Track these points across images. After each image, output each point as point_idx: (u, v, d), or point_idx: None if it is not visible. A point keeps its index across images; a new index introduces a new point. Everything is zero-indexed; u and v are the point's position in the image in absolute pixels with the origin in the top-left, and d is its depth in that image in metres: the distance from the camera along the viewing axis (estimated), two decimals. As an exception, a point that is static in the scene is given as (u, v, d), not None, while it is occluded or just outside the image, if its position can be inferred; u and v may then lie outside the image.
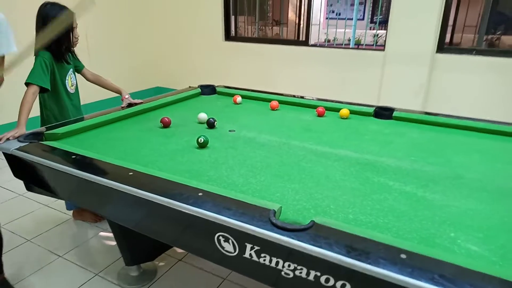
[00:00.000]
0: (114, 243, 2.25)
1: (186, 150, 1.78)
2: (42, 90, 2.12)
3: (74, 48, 2.33)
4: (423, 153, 1.78)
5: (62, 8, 2.13)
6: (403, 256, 0.94)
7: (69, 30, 2.18)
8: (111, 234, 2.00)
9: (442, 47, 3.63)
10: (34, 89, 2.05)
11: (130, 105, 2.42)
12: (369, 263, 0.92)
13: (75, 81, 2.39)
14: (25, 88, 2.05)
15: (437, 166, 1.63)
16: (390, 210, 1.26)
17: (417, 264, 0.91)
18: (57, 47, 2.17)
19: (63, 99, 2.27)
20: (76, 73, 2.42)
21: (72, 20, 2.15)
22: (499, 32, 4.18)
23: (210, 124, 2.11)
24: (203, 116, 2.20)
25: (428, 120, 2.25)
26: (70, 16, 2.10)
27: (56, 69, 2.20)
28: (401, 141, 1.96)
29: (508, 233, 1.14)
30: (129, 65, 5.12)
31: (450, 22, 3.70)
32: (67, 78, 2.29)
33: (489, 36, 4.16)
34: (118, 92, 2.51)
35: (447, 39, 3.72)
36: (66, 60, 2.26)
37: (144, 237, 1.50)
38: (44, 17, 2.10)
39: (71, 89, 2.33)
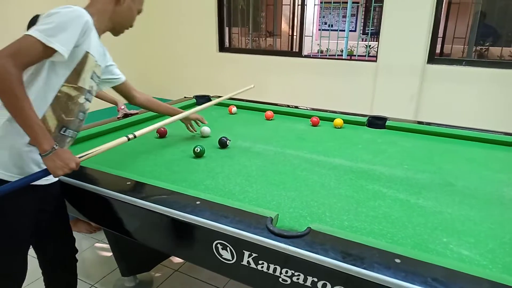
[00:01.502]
0: (109, 253, 2.24)
1: (183, 159, 1.80)
2: None
3: None
4: (416, 161, 1.82)
5: None
6: (397, 260, 0.97)
7: None
8: (106, 245, 2.00)
9: (433, 58, 3.71)
10: None
11: (126, 115, 2.43)
12: (364, 268, 0.95)
13: None
14: None
15: (429, 174, 1.67)
16: (384, 216, 1.29)
17: (410, 268, 0.94)
18: None
19: None
20: None
21: None
22: (487, 44, 4.28)
23: (222, 144, 1.95)
24: (206, 130, 2.13)
25: (420, 129, 2.30)
26: None
27: None
28: (394, 150, 2.00)
29: (497, 238, 1.17)
30: (127, 69, 5.12)
31: (440, 33, 3.79)
32: None
33: (478, 47, 4.25)
34: (114, 102, 2.53)
35: (438, 50, 3.81)
36: None
37: (140, 247, 1.51)
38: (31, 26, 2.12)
39: None
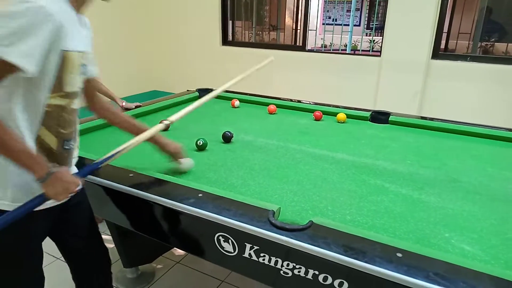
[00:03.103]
0: (111, 245, 2.25)
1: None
2: None
3: None
4: (419, 157, 1.81)
5: None
6: (399, 255, 0.97)
7: None
8: (108, 237, 2.01)
9: (437, 53, 3.69)
10: None
11: (126, 109, 2.43)
12: (366, 262, 0.95)
13: None
14: None
15: (432, 170, 1.67)
16: (387, 211, 1.29)
17: (412, 263, 0.94)
18: None
19: None
20: None
21: None
22: (493, 40, 4.24)
23: (227, 138, 1.94)
24: (188, 163, 1.58)
25: (423, 125, 2.29)
26: None
27: None
28: (397, 145, 2.00)
29: (499, 234, 1.17)
30: (126, 68, 5.13)
31: (445, 29, 3.76)
32: None
33: (483, 43, 4.22)
34: (111, 98, 2.41)
35: (442, 46, 3.78)
36: None
37: (142, 239, 1.52)
38: None
39: None
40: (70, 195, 1.09)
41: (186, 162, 1.56)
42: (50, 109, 1.06)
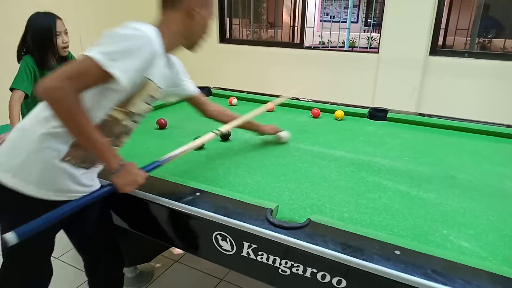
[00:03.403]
0: (110, 244, 2.25)
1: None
2: (27, 96, 2.10)
3: (65, 54, 2.27)
4: (417, 154, 1.81)
5: (46, 15, 2.13)
6: (397, 252, 0.97)
7: (52, 36, 2.12)
8: (107, 235, 2.01)
9: (435, 49, 3.69)
10: (19, 94, 2.04)
11: None
12: (364, 259, 0.95)
13: None
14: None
15: (430, 166, 1.67)
16: (385, 208, 1.29)
17: (410, 260, 0.94)
18: (39, 53, 2.13)
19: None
20: None
21: (54, 25, 2.11)
22: (490, 36, 4.25)
23: (225, 137, 1.96)
24: (286, 135, 1.93)
25: (421, 121, 2.29)
26: (53, 22, 2.11)
27: (39, 76, 2.16)
28: (395, 142, 2.00)
29: (497, 230, 1.17)
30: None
31: (443, 25, 3.76)
32: None
33: (481, 39, 4.22)
34: None
35: (440, 42, 3.78)
36: (49, 67, 2.17)
37: (141, 238, 1.51)
38: (29, 27, 2.11)
39: None
40: (135, 187, 1.17)
41: (285, 135, 1.90)
42: (107, 118, 1.17)
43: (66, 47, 2.23)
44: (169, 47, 1.25)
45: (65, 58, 2.28)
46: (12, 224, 1.01)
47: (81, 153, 1.17)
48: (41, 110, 1.14)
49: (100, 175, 1.31)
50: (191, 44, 1.34)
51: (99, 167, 1.29)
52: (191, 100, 1.63)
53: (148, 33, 1.10)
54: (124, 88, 1.10)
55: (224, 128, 1.63)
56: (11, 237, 0.94)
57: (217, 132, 1.54)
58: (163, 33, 1.17)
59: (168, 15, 1.24)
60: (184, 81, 1.55)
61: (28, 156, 1.13)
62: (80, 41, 4.42)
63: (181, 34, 1.26)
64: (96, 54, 1.02)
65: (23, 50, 2.16)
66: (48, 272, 1.35)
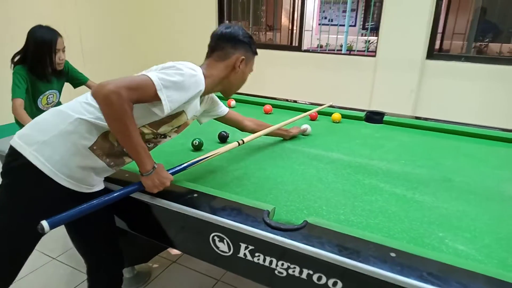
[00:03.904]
0: (107, 245, 2.25)
1: (181, 152, 1.80)
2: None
3: (60, 69, 2.39)
4: (413, 157, 1.82)
5: (49, 30, 2.25)
6: (392, 254, 0.97)
7: (52, 51, 2.24)
8: (104, 236, 2.00)
9: (432, 53, 3.71)
10: (19, 101, 2.18)
11: None
12: (360, 261, 0.95)
13: (54, 100, 2.48)
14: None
15: (426, 169, 1.68)
16: (381, 211, 1.29)
17: (406, 262, 0.95)
18: (36, 66, 2.25)
19: (34, 115, 2.31)
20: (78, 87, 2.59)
21: (55, 42, 2.24)
22: (487, 40, 4.27)
23: (222, 138, 1.97)
24: (308, 128, 2.12)
25: (417, 125, 2.30)
26: (54, 39, 2.23)
27: (31, 86, 2.28)
28: (392, 145, 2.01)
29: (493, 233, 1.18)
30: (124, 68, 5.11)
31: (440, 29, 3.78)
32: (41, 97, 2.38)
33: (478, 43, 4.25)
34: None
35: (437, 46, 3.80)
36: (44, 77, 2.32)
37: (138, 238, 1.51)
38: (30, 37, 2.22)
39: (44, 107, 2.41)
40: (161, 189, 1.23)
41: (307, 129, 2.11)
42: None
43: (61, 63, 2.35)
44: (208, 90, 1.38)
45: (60, 72, 2.42)
46: (24, 199, 1.16)
47: (108, 146, 1.23)
48: (85, 99, 1.21)
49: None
50: (227, 92, 1.49)
51: (116, 167, 1.33)
52: (225, 119, 1.73)
53: (199, 74, 1.25)
54: (163, 114, 1.20)
55: (250, 138, 1.67)
56: (45, 225, 0.99)
57: (241, 142, 1.60)
58: (207, 77, 1.31)
59: (216, 63, 1.39)
60: (215, 107, 1.66)
61: (58, 134, 1.17)
62: (80, 42, 4.43)
63: (221, 82, 1.41)
64: (155, 76, 1.15)
65: (15, 59, 2.27)
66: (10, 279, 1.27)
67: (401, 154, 1.86)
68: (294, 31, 5.05)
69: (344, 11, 6.48)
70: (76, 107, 1.20)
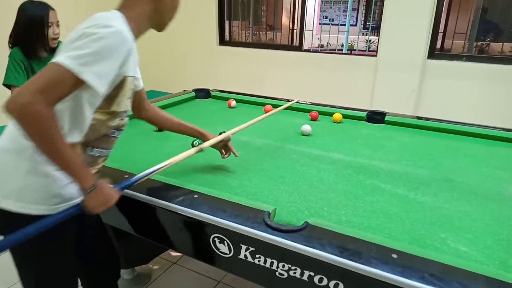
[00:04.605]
0: (108, 246, 2.25)
1: (181, 153, 1.79)
2: None
3: (55, 46, 2.18)
4: (415, 157, 1.82)
5: (40, 4, 2.08)
6: (394, 256, 0.97)
7: (44, 26, 2.06)
8: (105, 237, 2.00)
9: (433, 53, 3.70)
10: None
11: None
12: (361, 263, 0.95)
13: None
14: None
15: (428, 170, 1.67)
16: (382, 211, 1.29)
17: (408, 264, 0.94)
18: (28, 43, 2.08)
19: None
20: None
21: (47, 15, 2.06)
22: (488, 39, 4.26)
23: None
24: (307, 128, 2.12)
25: (419, 125, 2.29)
26: (46, 13, 2.05)
27: (28, 67, 2.10)
28: (393, 145, 2.00)
29: (494, 234, 1.17)
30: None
31: (441, 29, 3.77)
32: None
33: (479, 43, 4.24)
34: None
35: (438, 45, 3.79)
36: (39, 56, 2.13)
37: (138, 239, 1.51)
38: (20, 14, 2.06)
39: None
40: (105, 209, 1.08)
41: (306, 129, 2.10)
42: (93, 122, 1.11)
43: (56, 39, 2.17)
44: (137, 33, 1.14)
45: (55, 49, 2.18)
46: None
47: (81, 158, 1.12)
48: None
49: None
50: (160, 26, 1.22)
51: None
52: (136, 94, 1.39)
53: (120, 28, 0.99)
54: (102, 94, 1.02)
55: (205, 145, 1.49)
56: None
57: (195, 144, 1.43)
58: (130, 19, 1.08)
59: None
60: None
61: (26, 175, 1.06)
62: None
63: (149, 18, 1.15)
64: (65, 59, 0.91)
65: (11, 41, 2.12)
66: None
67: (403, 154, 1.85)
68: (295, 31, 5.04)
69: (345, 11, 6.48)
70: (20, 139, 1.02)
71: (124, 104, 1.17)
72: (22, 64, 2.09)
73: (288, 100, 2.79)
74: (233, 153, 1.63)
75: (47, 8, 2.09)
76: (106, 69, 0.96)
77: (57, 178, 1.10)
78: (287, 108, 2.67)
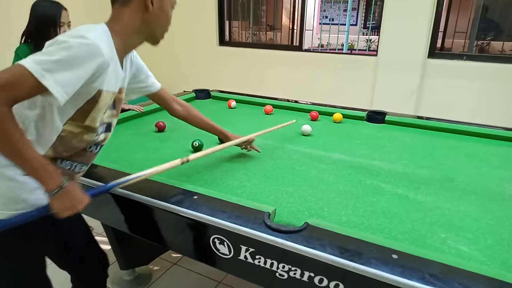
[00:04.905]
0: (108, 247, 2.24)
1: (181, 154, 1.78)
2: None
3: None
4: (415, 157, 1.81)
5: (53, 4, 2.09)
6: (394, 256, 0.96)
7: (56, 25, 2.06)
8: (105, 238, 2.00)
9: (434, 52, 3.69)
10: None
11: (123, 109, 2.42)
12: (362, 264, 0.94)
13: None
14: None
15: (428, 169, 1.66)
16: (382, 212, 1.28)
17: (408, 264, 0.94)
18: (40, 42, 1.96)
19: None
20: None
21: (59, 15, 2.06)
22: (489, 38, 4.25)
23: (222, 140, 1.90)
24: (307, 128, 2.13)
25: (419, 124, 2.29)
26: (58, 12, 2.05)
27: None
28: (393, 145, 1.99)
29: (495, 234, 1.17)
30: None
31: (441, 28, 3.76)
32: None
33: (479, 42, 4.23)
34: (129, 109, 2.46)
35: (438, 45, 3.78)
36: None
37: (139, 240, 1.51)
38: (33, 12, 2.06)
39: None
40: (73, 213, 1.04)
41: (307, 129, 2.12)
42: (63, 134, 1.07)
43: None
44: (126, 47, 1.13)
45: None
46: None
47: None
48: None
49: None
50: (152, 39, 1.18)
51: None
52: (155, 97, 1.49)
53: (94, 40, 0.96)
54: (60, 103, 0.95)
55: (192, 157, 1.43)
56: None
57: (185, 160, 1.38)
58: (116, 33, 1.06)
59: (121, 11, 1.09)
60: (145, 77, 1.41)
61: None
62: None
63: (137, 30, 1.12)
64: (31, 63, 0.89)
65: (23, 38, 2.12)
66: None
67: (403, 154, 1.85)
68: (295, 31, 5.03)
69: (345, 10, 6.48)
70: None
71: (100, 119, 1.13)
72: None
73: (288, 101, 2.79)
74: (256, 149, 1.78)
75: (60, 7, 2.10)
76: (70, 79, 0.93)
77: (22, 182, 1.06)
78: (287, 107, 2.67)
